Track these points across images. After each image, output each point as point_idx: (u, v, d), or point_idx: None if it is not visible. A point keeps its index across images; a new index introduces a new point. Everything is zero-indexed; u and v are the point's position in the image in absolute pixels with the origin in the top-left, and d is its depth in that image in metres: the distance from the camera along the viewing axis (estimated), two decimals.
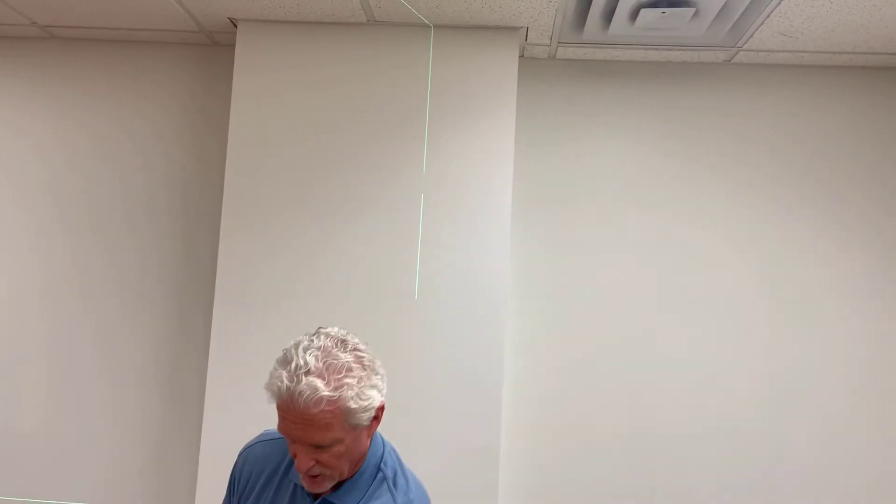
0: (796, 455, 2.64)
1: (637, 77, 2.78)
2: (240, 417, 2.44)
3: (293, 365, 1.32)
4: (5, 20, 2.70)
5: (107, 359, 2.74)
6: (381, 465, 1.47)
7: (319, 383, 1.29)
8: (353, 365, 1.35)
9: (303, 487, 1.44)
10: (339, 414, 1.31)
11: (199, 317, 2.72)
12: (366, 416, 1.36)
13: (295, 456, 1.36)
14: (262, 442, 1.59)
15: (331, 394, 1.30)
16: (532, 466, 2.65)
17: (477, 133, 2.54)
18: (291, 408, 1.30)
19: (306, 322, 2.42)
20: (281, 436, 1.53)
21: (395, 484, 1.45)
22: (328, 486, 1.39)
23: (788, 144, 2.73)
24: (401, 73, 2.56)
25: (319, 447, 1.33)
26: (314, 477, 1.38)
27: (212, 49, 2.83)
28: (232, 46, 2.66)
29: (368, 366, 1.38)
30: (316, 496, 1.45)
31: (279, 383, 1.31)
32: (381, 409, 1.41)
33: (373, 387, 1.37)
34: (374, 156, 2.54)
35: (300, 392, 1.29)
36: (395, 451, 1.53)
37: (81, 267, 2.77)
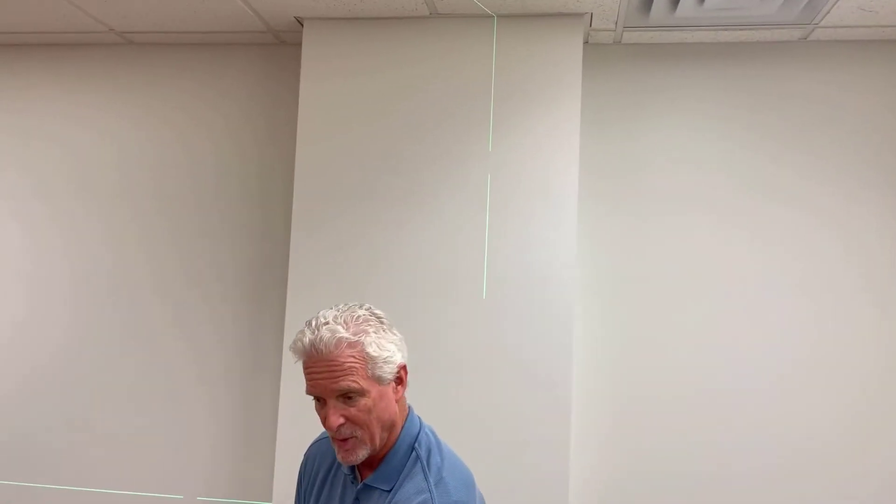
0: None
1: (707, 59, 2.70)
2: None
3: (314, 322, 1.39)
4: (85, 28, 2.82)
5: (183, 350, 2.84)
6: (416, 444, 1.47)
7: (339, 328, 1.36)
8: (370, 318, 1.41)
9: (350, 478, 1.49)
10: (361, 359, 1.36)
11: (272, 309, 2.78)
12: (388, 370, 1.40)
13: (325, 420, 1.38)
14: (320, 440, 1.64)
15: (350, 336, 1.36)
16: (602, 464, 2.63)
17: (542, 121, 2.52)
18: (315, 357, 1.36)
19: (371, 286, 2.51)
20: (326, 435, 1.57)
21: (428, 463, 1.45)
22: (361, 454, 1.41)
23: (869, 122, 2.62)
24: (465, 64, 2.56)
25: (346, 399, 1.37)
26: (345, 442, 1.39)
27: (279, 48, 2.89)
28: (298, 45, 2.71)
29: (385, 324, 1.44)
30: (357, 481, 1.48)
31: (302, 339, 1.37)
32: (404, 370, 1.45)
33: (391, 342, 1.42)
34: (440, 147, 2.55)
35: (321, 338, 1.35)
36: (433, 432, 1.53)
37: (157, 262, 2.88)
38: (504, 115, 2.53)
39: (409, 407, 1.52)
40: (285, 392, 2.54)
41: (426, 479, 1.42)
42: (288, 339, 2.53)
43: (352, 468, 1.49)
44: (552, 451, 2.41)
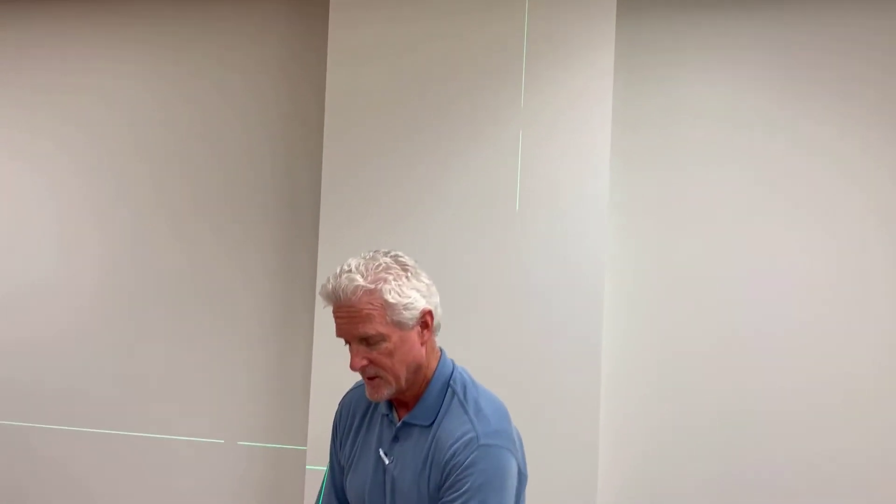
0: None
1: (746, 8, 2.60)
2: (345, 355, 2.55)
3: (339, 269, 1.48)
4: None
5: (216, 298, 2.91)
6: (451, 381, 1.55)
7: (358, 276, 1.44)
8: (392, 266, 1.48)
9: (388, 418, 1.58)
10: (379, 306, 1.44)
11: (305, 255, 2.82)
12: (408, 316, 1.46)
13: (350, 360, 1.48)
14: (354, 389, 1.73)
15: (367, 285, 1.44)
16: (633, 411, 2.62)
17: (575, 74, 2.48)
18: (337, 304, 1.46)
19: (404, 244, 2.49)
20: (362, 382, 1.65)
21: (465, 397, 1.53)
22: (386, 392, 1.49)
23: None
24: (497, 15, 2.52)
25: (368, 344, 1.46)
26: (371, 380, 1.49)
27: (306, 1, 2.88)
28: None
29: (410, 271, 1.49)
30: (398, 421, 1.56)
31: (326, 285, 1.47)
32: (430, 315, 1.51)
33: (414, 289, 1.48)
34: (471, 100, 2.54)
35: (341, 286, 1.44)
36: (466, 371, 1.60)
37: (188, 210, 2.94)
38: (537, 68, 2.50)
39: (441, 350, 1.59)
40: (318, 338, 2.60)
41: (465, 412, 1.50)
42: (320, 284, 2.57)
43: (389, 410, 1.58)
44: (581, 400, 2.44)
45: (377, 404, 1.62)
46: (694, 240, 2.61)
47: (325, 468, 1.82)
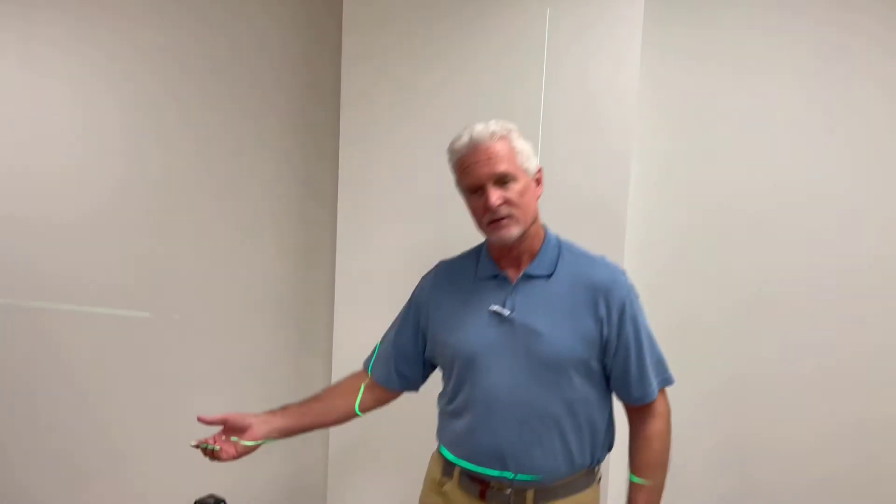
0: None
1: None
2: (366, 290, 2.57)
3: (466, 128, 1.68)
4: None
5: (238, 247, 2.88)
6: (560, 241, 1.77)
7: (492, 125, 1.67)
8: (510, 124, 1.70)
9: (498, 278, 1.72)
10: (511, 150, 1.66)
11: (323, 218, 2.80)
12: (531, 165, 1.69)
13: (485, 206, 1.64)
14: (438, 267, 1.88)
15: (501, 130, 1.66)
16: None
17: None
18: (474, 150, 1.65)
19: (425, 212, 2.48)
20: (455, 257, 1.86)
21: (581, 251, 1.76)
22: (515, 231, 1.65)
23: None
24: None
25: (503, 182, 1.63)
26: (501, 220, 1.64)
27: None
28: None
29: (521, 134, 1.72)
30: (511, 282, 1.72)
31: (460, 138, 1.68)
32: (541, 173, 1.73)
33: (528, 144, 1.71)
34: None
35: (478, 132, 1.65)
36: None
37: (205, 130, 2.84)
38: None
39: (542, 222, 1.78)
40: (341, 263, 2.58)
41: (593, 260, 1.74)
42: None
43: (496, 272, 1.73)
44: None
45: (467, 275, 1.77)
46: (724, 147, 2.46)
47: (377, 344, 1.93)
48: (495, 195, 1.62)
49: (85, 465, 3.12)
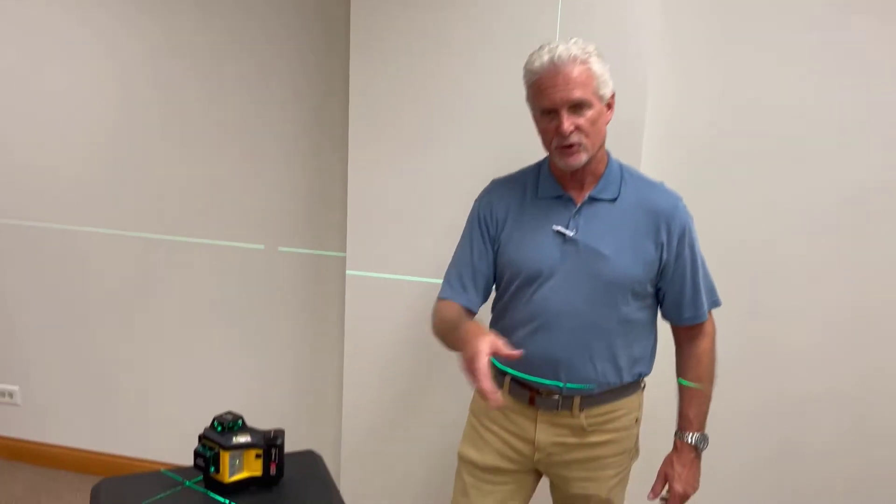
0: None
1: None
2: (381, 165, 2.55)
3: (547, 46, 1.65)
4: None
5: (256, 98, 2.85)
6: (621, 165, 1.79)
7: (573, 48, 1.63)
8: (590, 47, 1.67)
9: (562, 199, 1.75)
10: (589, 75, 1.63)
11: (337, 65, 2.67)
12: (606, 91, 1.66)
13: (556, 130, 1.64)
14: (494, 184, 1.89)
15: (582, 54, 1.63)
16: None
17: None
18: (552, 72, 1.62)
19: (436, 140, 2.42)
20: (508, 175, 1.88)
21: (642, 176, 1.79)
22: (583, 157, 1.66)
23: None
24: None
25: (577, 108, 1.62)
26: (571, 147, 1.65)
27: None
28: None
29: (601, 56, 1.69)
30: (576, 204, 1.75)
31: (539, 58, 1.64)
32: (613, 98, 1.71)
33: (606, 69, 1.67)
34: None
35: (559, 55, 1.61)
36: None
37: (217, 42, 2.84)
38: None
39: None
40: (354, 150, 2.55)
41: (654, 185, 1.77)
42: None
43: (561, 193, 1.75)
44: None
45: (527, 193, 1.79)
46: (745, 77, 2.39)
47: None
48: (568, 122, 1.61)
49: (116, 383, 3.24)
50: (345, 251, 2.68)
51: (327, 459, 1.85)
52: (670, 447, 1.89)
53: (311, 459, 1.62)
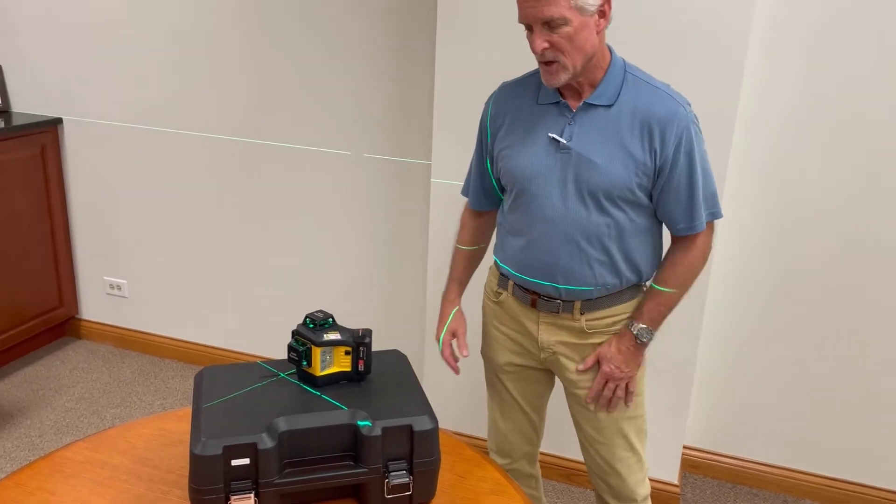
0: None
1: None
2: (468, 67, 2.52)
3: None
4: None
5: (341, 22, 2.86)
6: (626, 68, 1.69)
7: None
8: None
9: (558, 106, 1.69)
10: None
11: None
12: (591, 1, 1.53)
13: (531, 44, 1.58)
14: (502, 87, 1.83)
15: None
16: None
17: None
18: None
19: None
20: (518, 78, 1.81)
21: (646, 78, 1.68)
22: (563, 77, 1.60)
23: None
24: None
25: (550, 28, 1.54)
26: (549, 65, 1.59)
27: None
28: None
29: None
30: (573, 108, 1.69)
31: None
32: (608, 3, 1.58)
33: None
34: None
35: None
36: None
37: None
38: None
39: (609, 45, 1.68)
40: (440, 65, 2.53)
41: (656, 88, 1.66)
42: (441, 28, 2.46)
43: (558, 99, 1.69)
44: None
45: (529, 98, 1.74)
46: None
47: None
48: (539, 39, 1.56)
49: (215, 281, 3.42)
50: (430, 159, 2.70)
51: (412, 359, 1.93)
52: None
53: (396, 357, 1.69)
